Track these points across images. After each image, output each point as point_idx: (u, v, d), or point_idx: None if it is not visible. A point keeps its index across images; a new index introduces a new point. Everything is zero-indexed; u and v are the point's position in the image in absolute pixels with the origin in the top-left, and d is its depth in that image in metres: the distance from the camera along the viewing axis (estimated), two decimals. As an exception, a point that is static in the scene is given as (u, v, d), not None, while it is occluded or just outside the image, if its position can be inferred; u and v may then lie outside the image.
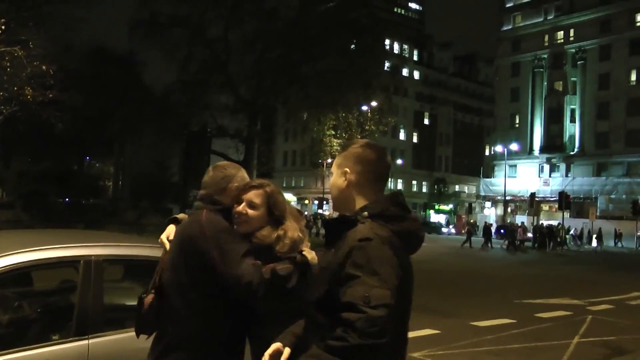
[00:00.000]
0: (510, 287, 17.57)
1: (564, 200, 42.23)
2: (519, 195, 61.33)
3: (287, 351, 2.27)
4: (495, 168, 70.22)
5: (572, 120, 64.40)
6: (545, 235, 41.84)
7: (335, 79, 40.17)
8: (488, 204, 68.46)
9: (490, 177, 70.13)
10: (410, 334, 2.30)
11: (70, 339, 3.15)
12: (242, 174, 2.90)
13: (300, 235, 2.78)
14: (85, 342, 3.12)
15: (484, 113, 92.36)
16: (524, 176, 65.67)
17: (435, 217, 74.73)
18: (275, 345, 2.29)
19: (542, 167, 66.10)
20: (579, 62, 64.45)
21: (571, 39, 65.54)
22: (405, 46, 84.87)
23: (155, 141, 43.74)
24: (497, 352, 8.37)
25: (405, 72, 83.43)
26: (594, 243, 46.99)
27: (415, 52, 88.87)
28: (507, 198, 58.98)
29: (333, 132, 43.00)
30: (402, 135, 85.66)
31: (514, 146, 61.36)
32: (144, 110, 40.43)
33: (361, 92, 42.19)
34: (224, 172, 2.87)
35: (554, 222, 47.52)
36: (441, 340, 8.79)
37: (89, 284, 3.28)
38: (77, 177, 38.89)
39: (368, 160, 2.26)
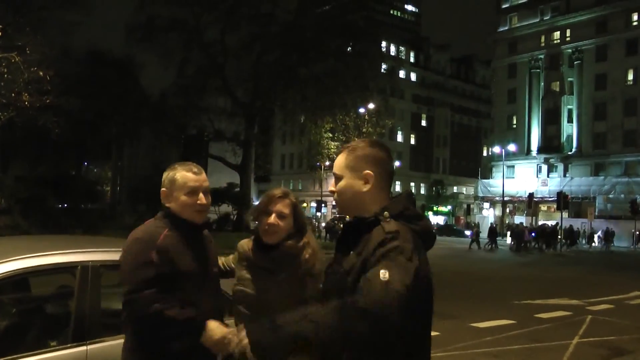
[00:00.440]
0: (509, 287, 17.58)
1: (562, 201, 42.25)
2: (517, 196, 61.40)
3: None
4: (493, 169, 70.31)
5: (570, 121, 64.45)
6: (550, 235, 41.89)
7: (332, 81, 40.19)
8: (486, 205, 68.47)
9: (488, 178, 70.16)
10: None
11: (69, 345, 3.13)
12: (171, 175, 2.79)
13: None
14: (84, 347, 3.12)
15: (481, 114, 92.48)
16: (522, 177, 65.73)
17: (433, 219, 74.74)
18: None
19: (540, 167, 66.17)
20: (575, 63, 64.53)
21: (568, 39, 65.63)
22: (402, 48, 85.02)
23: (153, 145, 43.80)
24: (496, 354, 8.36)
25: (402, 74, 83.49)
26: (596, 243, 47.23)
27: (412, 54, 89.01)
28: (506, 199, 59.02)
29: (330, 135, 43.00)
30: (399, 137, 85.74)
31: (512, 147, 61.40)
32: (141, 114, 40.46)
33: (358, 95, 42.18)
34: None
35: (552, 223, 47.56)
36: (441, 341, 8.75)
37: (86, 289, 3.27)
38: (75, 182, 38.77)
39: (381, 159, 2.24)
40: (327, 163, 46.06)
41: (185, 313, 2.51)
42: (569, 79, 65.01)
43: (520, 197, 59.81)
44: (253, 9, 41.71)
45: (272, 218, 2.76)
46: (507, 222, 55.16)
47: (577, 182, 59.78)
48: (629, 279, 21.67)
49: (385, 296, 1.86)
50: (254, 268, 2.84)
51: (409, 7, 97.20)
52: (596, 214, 51.54)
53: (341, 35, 42.05)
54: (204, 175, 2.81)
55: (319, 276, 2.65)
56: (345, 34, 42.22)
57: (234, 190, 42.77)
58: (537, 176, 65.18)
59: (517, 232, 40.85)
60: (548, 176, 64.33)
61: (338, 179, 2.25)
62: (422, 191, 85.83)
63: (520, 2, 70.57)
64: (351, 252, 2.11)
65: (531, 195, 50.83)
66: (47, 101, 24.68)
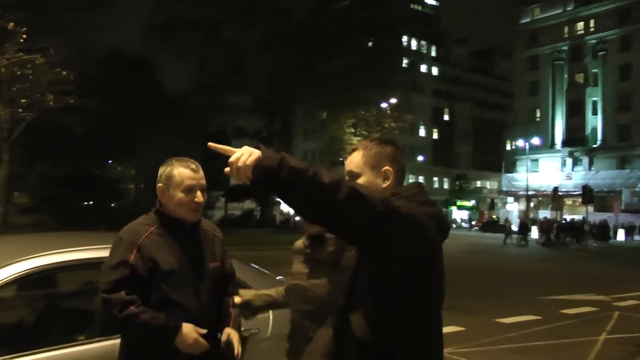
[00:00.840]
0: (534, 282, 17.45)
1: (587, 194, 41.76)
2: (541, 190, 60.82)
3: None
4: (517, 163, 69.64)
5: (594, 113, 63.64)
6: (579, 230, 41.47)
7: (352, 77, 40.15)
8: (510, 199, 67.95)
9: (512, 173, 69.54)
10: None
11: (96, 339, 3.18)
12: (168, 170, 2.75)
13: None
14: (111, 341, 3.15)
15: (503, 108, 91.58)
16: (546, 171, 65.06)
17: (456, 214, 74.37)
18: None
19: (565, 161, 65.42)
20: (599, 54, 63.66)
21: (591, 29, 64.79)
22: (423, 43, 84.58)
23: (174, 143, 44.03)
24: (521, 350, 8.30)
25: (423, 68, 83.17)
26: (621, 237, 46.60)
27: (433, 49, 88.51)
28: (530, 193, 58.49)
29: (352, 130, 42.92)
30: (421, 132, 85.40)
31: (535, 140, 60.83)
32: (162, 113, 40.71)
33: (379, 90, 42.06)
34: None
35: (578, 217, 47.01)
36: (466, 337, 8.74)
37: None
38: (99, 181, 39.22)
39: (396, 157, 2.27)
40: (349, 158, 45.90)
41: (159, 318, 2.51)
42: (593, 70, 64.18)
43: (545, 191, 59.21)
44: (271, 6, 41.77)
45: None
46: (531, 216, 54.62)
47: (602, 175, 59.08)
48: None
49: (383, 196, 1.93)
50: (312, 263, 2.89)
51: (429, 1, 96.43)
52: (622, 207, 50.83)
53: (360, 31, 41.98)
54: (201, 172, 2.77)
55: None
56: (364, 30, 42.12)
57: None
58: (562, 170, 64.50)
59: (546, 226, 40.51)
60: (572, 169, 63.64)
61: (355, 176, 2.25)
62: (445, 186, 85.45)
63: (541, -7, 69.78)
64: None
65: (556, 189, 50.30)
66: (71, 101, 24.92)
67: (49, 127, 30.29)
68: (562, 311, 11.59)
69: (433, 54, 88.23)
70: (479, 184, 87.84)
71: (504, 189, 69.47)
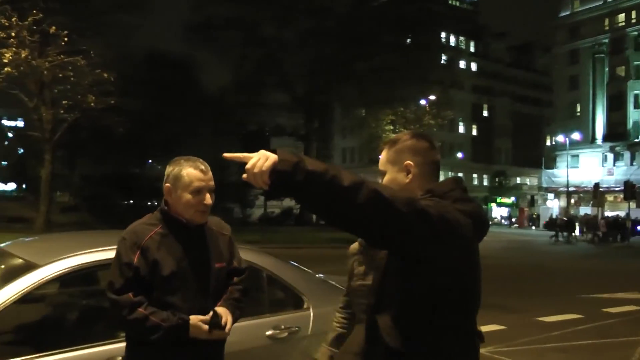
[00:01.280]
0: (575, 280, 17.19)
1: (629, 190, 40.87)
2: (582, 186, 59.71)
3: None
4: (557, 159, 68.51)
5: (636, 107, 62.20)
6: (623, 226, 40.58)
7: (391, 74, 40.04)
8: (550, 195, 66.95)
9: (552, 168, 68.48)
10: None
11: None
12: (176, 170, 2.70)
13: None
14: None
15: (542, 103, 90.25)
16: (587, 166, 63.86)
17: (496, 211, 73.56)
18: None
19: (605, 156, 64.11)
20: (641, 46, 62.20)
21: (632, 21, 63.34)
22: (461, 38, 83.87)
23: (214, 141, 44.45)
24: (564, 349, 8.17)
25: (461, 64, 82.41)
26: None
27: (471, 44, 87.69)
28: (570, 189, 57.53)
29: (391, 127, 42.74)
30: (460, 129, 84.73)
31: (576, 135, 59.80)
32: (201, 111, 41.12)
33: (417, 87, 41.84)
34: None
35: (620, 213, 46.04)
36: (507, 336, 8.64)
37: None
38: (139, 180, 39.79)
39: (424, 150, 2.22)
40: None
41: (169, 319, 2.50)
42: (635, 63, 62.72)
43: (585, 187, 58.09)
44: (309, 3, 41.86)
45: None
46: (572, 212, 53.68)
47: (645, 170, 57.73)
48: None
49: (409, 197, 1.88)
50: (370, 262, 2.90)
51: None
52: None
53: (398, 28, 41.78)
54: (210, 173, 2.71)
55: None
56: (402, 26, 41.92)
57: (296, 185, 43.08)
58: (603, 165, 63.26)
59: (592, 223, 39.82)
60: (614, 165, 62.35)
61: (383, 175, 2.26)
62: (485, 182, 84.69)
63: (582, -14, 68.48)
64: None
65: (597, 185, 49.35)
66: (111, 102, 25.34)
67: (90, 127, 30.87)
68: (605, 310, 11.36)
69: (472, 49, 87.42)
70: (518, 180, 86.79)
71: (544, 185, 68.48)
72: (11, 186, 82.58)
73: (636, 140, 61.48)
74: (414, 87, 41.63)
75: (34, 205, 32.06)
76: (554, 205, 63.15)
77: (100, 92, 25.02)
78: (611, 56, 64.61)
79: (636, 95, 62.33)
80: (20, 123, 72.68)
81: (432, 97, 44.82)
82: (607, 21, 65.61)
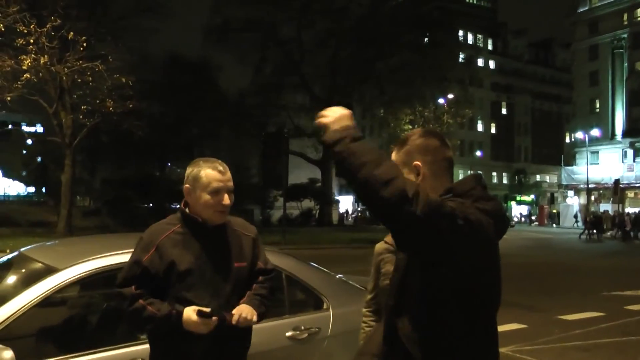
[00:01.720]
0: (597, 278, 17.02)
1: (650, 186, 40.38)
2: (602, 182, 59.06)
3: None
4: (577, 156, 67.87)
5: (656, 101, 61.37)
6: None
7: (410, 74, 40.02)
8: (570, 193, 66.35)
9: (572, 166, 67.83)
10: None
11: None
12: (195, 172, 2.74)
13: None
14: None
15: (562, 100, 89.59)
16: (607, 163, 63.14)
17: (516, 209, 73.07)
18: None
19: (626, 152, 63.32)
20: (661, 40, 61.40)
21: (651, 15, 62.54)
22: (480, 36, 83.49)
23: (233, 144, 44.61)
24: (586, 347, 8.10)
25: (480, 62, 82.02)
26: None
27: (490, 42, 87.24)
28: (590, 186, 56.98)
29: (410, 127, 42.68)
30: (479, 127, 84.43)
31: (595, 132, 59.27)
32: (221, 114, 41.30)
33: (436, 86, 41.75)
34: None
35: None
36: (528, 335, 8.59)
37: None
38: (159, 183, 39.96)
39: (435, 148, 2.18)
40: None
41: (163, 308, 2.53)
42: (654, 57, 61.90)
43: (606, 183, 57.47)
44: (327, 4, 41.89)
45: None
46: (592, 209, 53.14)
47: (666, 166, 57.00)
48: None
49: (434, 199, 1.85)
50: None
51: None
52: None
53: (416, 27, 41.72)
54: (228, 174, 2.75)
55: None
56: (420, 26, 41.84)
57: (315, 186, 43.11)
58: (623, 161, 62.47)
59: (620, 220, 39.42)
60: (634, 161, 61.54)
61: None
62: (505, 181, 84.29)
63: (600, -19, 67.73)
64: None
65: (617, 181, 48.83)
66: (130, 106, 25.48)
67: (110, 131, 31.10)
68: (627, 307, 11.25)
69: (490, 47, 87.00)
70: (538, 178, 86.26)
71: (564, 182, 67.83)
72: (29, 189, 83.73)
73: (657, 135, 60.75)
74: (433, 86, 41.51)
75: (55, 209, 32.37)
76: (574, 203, 62.58)
77: (119, 97, 25.20)
78: (630, 51, 63.84)
79: (656, 91, 61.55)
80: (39, 128, 73.55)
81: (451, 96, 44.64)
82: (625, 16, 64.86)
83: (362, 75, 42.07)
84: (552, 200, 68.95)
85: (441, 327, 1.97)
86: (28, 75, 22.97)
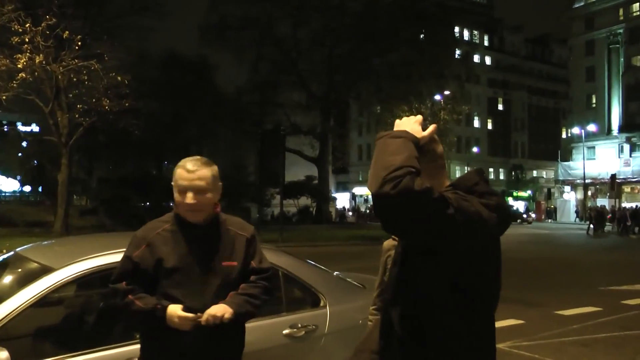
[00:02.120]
0: (593, 273, 17.02)
1: (647, 181, 40.41)
2: (599, 177, 59.09)
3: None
4: (573, 151, 67.93)
5: (653, 97, 61.40)
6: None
7: (406, 70, 40.01)
8: (567, 188, 66.42)
9: (569, 161, 67.87)
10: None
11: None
12: (174, 170, 2.76)
13: None
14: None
15: (559, 95, 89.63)
16: (603, 158, 63.17)
17: (513, 205, 73.11)
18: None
19: (622, 147, 63.35)
20: (657, 35, 61.40)
21: (647, 10, 62.57)
22: (476, 32, 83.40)
23: (231, 142, 44.60)
24: (584, 342, 8.11)
25: (476, 58, 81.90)
26: None
27: (486, 38, 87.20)
28: (587, 181, 57.06)
29: (407, 123, 42.60)
30: (476, 123, 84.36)
31: (592, 127, 59.34)
32: (218, 112, 41.26)
33: (433, 82, 41.72)
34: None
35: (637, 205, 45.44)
36: (526, 330, 8.60)
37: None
38: (156, 181, 39.92)
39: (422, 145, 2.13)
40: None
41: (149, 303, 2.56)
42: (650, 52, 61.92)
43: (602, 178, 57.50)
44: (323, 1, 41.79)
45: None
46: (589, 204, 53.21)
47: (662, 160, 57.06)
48: None
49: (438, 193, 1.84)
50: None
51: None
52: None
53: (413, 24, 41.63)
54: (199, 172, 2.68)
55: None
56: (417, 22, 41.76)
57: (312, 183, 43.09)
58: (619, 156, 62.51)
59: (621, 215, 39.46)
60: (630, 156, 61.58)
61: None
62: (502, 176, 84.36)
63: (596, -24, 67.71)
64: None
65: (613, 176, 48.89)
66: (127, 105, 25.45)
67: (107, 130, 31.02)
68: (624, 302, 11.26)
69: (486, 42, 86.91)
70: (535, 173, 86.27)
71: (561, 177, 67.89)
72: (25, 188, 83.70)
73: (653, 130, 60.82)
74: (430, 82, 41.47)
75: (51, 209, 32.33)
76: (570, 198, 62.65)
77: (115, 95, 25.14)
78: (627, 46, 63.87)
79: (652, 85, 61.60)
80: (35, 128, 73.41)
81: (448, 92, 44.61)
82: (621, 11, 64.88)
83: (359, 72, 42.02)
84: (549, 196, 69.01)
85: (438, 322, 1.95)
86: (23, 75, 22.90)
